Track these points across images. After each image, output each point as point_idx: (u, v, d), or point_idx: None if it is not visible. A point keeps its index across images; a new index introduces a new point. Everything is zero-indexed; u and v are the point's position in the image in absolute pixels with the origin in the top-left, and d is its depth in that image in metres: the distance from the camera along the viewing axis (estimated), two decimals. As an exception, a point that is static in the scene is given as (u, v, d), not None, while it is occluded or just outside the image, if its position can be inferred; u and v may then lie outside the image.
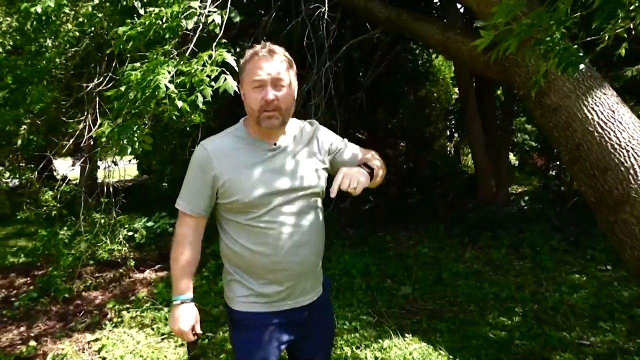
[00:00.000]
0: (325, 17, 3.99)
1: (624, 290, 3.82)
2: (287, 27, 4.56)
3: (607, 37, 1.71)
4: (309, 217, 1.51)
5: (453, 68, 9.80)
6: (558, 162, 8.49)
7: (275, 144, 1.50)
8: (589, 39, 1.82)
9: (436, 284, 4.26)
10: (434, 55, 9.23)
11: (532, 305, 3.63)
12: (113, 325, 3.54)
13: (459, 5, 6.22)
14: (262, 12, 5.40)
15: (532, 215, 6.27)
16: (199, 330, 1.51)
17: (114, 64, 3.45)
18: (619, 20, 1.63)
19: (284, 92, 1.44)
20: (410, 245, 5.57)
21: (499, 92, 8.94)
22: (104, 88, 3.41)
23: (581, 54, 1.58)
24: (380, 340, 3.12)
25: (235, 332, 1.56)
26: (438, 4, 7.23)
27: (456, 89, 10.25)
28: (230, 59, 2.51)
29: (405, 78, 8.19)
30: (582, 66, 1.53)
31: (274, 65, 1.43)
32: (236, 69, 2.52)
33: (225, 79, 2.42)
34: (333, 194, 1.36)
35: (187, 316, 1.48)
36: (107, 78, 3.49)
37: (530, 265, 4.66)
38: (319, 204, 1.58)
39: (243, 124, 1.54)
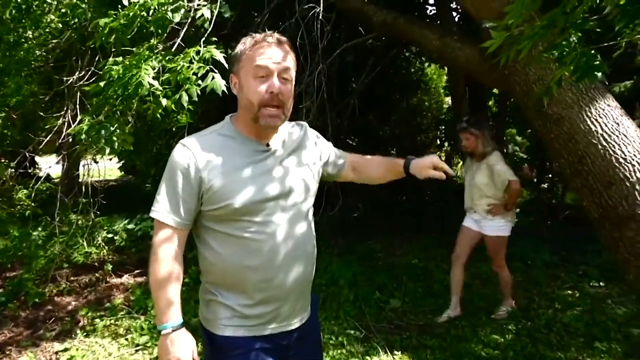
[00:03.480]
0: (320, 17, 3.87)
1: (618, 308, 3.72)
2: (280, 27, 4.42)
3: (623, 43, 1.61)
4: (303, 228, 1.35)
5: (445, 77, 9.78)
6: (550, 175, 8.45)
7: (267, 145, 1.34)
8: (606, 44, 1.71)
9: (426, 296, 4.13)
10: (426, 64, 9.17)
11: (525, 322, 3.50)
12: (84, 334, 3.33)
13: (454, 13, 6.16)
14: (255, 13, 5.27)
15: (523, 227, 6.18)
16: (197, 357, 1.31)
17: (97, 58, 3.27)
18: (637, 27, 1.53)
19: (288, 87, 1.30)
20: (399, 254, 5.43)
21: (490, 103, 8.90)
22: (86, 83, 3.23)
23: (600, 61, 1.45)
24: (368, 357, 2.97)
25: (215, 358, 1.37)
26: (434, 11, 7.16)
27: (448, 99, 10.21)
28: (220, 56, 2.35)
29: (398, 85, 8.11)
30: (599, 75, 1.40)
31: (283, 56, 1.28)
32: (226, 66, 2.38)
33: (214, 77, 2.26)
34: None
35: (184, 344, 1.27)
36: (90, 72, 3.31)
37: (521, 280, 4.54)
38: (311, 213, 1.43)
39: (230, 121, 1.37)
